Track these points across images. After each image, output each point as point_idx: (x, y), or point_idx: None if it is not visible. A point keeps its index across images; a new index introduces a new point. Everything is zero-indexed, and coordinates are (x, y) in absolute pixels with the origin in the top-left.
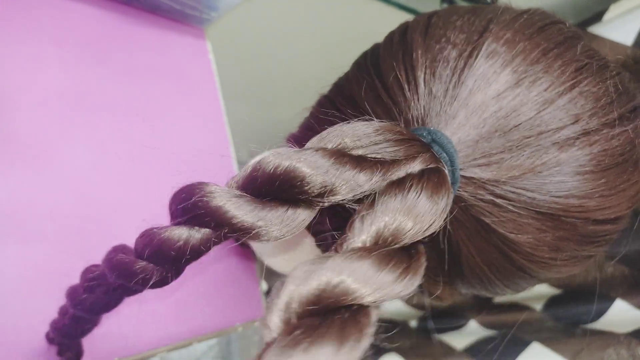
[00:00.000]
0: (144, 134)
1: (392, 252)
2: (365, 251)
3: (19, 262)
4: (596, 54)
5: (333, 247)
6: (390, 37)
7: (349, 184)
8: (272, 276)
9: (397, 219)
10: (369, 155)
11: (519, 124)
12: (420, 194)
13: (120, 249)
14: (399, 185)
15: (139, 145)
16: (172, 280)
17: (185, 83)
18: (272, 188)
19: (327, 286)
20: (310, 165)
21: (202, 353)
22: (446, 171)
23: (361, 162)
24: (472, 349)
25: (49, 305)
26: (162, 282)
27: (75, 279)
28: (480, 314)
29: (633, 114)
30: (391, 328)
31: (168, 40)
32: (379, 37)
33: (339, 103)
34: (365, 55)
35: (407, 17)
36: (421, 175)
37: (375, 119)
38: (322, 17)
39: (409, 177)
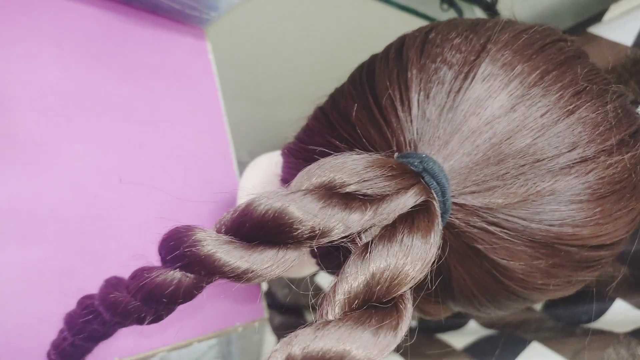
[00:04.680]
0: (144, 134)
1: (390, 315)
2: (362, 317)
3: (19, 262)
4: (597, 75)
5: (328, 293)
6: (387, 52)
7: (339, 226)
8: None
9: (390, 269)
10: (360, 192)
11: (513, 152)
12: (412, 241)
13: (113, 284)
14: (390, 236)
15: (139, 145)
16: (165, 317)
17: (185, 83)
18: (262, 232)
19: (333, 355)
20: (300, 209)
21: (202, 353)
22: (436, 204)
23: (351, 203)
24: (472, 349)
25: (49, 305)
26: (156, 320)
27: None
28: None
29: (633, 139)
30: None
31: (168, 40)
32: (379, 38)
33: (332, 118)
34: (361, 69)
35: (407, 17)
36: (412, 222)
37: (365, 152)
38: (322, 17)
39: (400, 225)
